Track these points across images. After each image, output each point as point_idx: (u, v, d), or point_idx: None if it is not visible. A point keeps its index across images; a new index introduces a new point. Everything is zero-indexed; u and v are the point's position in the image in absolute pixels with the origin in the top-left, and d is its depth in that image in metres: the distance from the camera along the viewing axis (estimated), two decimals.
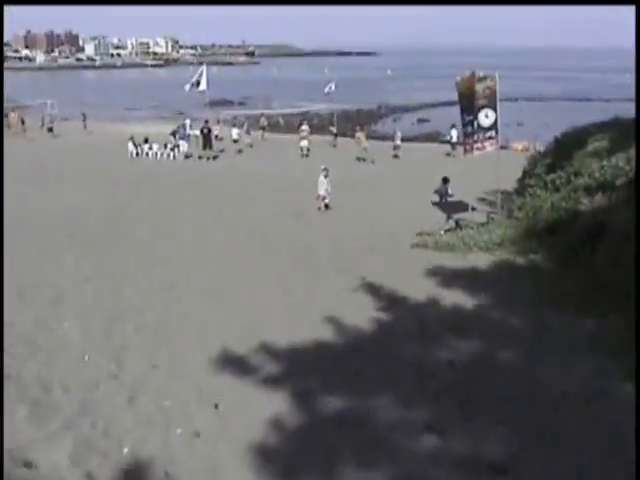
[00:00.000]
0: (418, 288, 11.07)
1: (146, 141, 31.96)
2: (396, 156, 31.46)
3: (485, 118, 15.10)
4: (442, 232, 15.44)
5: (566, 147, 15.79)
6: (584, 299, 9.77)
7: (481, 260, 12.75)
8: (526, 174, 17.21)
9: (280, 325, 9.56)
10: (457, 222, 16.53)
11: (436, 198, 17.82)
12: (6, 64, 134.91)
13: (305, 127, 33.72)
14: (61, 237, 15.26)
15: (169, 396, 7.32)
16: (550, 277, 11.29)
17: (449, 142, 33.49)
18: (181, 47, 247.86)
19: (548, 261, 12.17)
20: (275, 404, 7.11)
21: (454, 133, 32.77)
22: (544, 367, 7.94)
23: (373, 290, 11.10)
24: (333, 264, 12.98)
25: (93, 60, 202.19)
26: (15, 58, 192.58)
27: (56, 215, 17.60)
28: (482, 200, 20.16)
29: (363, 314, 9.88)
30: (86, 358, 8.34)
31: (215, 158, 30.32)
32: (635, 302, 8.11)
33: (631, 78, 62.59)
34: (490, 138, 15.32)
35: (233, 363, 8.17)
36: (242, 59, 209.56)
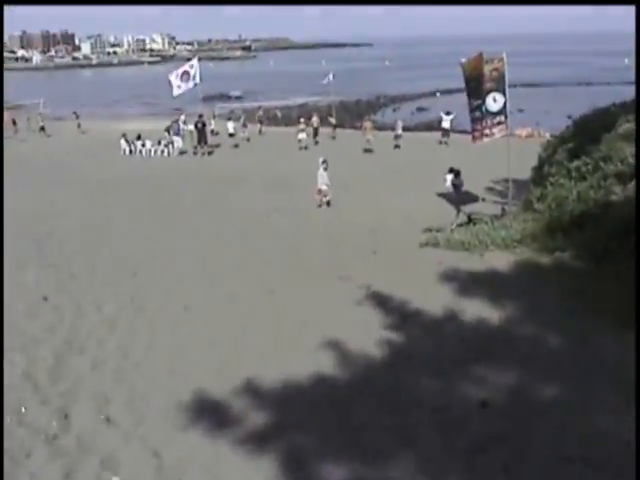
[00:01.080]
0: (432, 298, 9.47)
1: (139, 138, 30.59)
2: (397, 146, 29.94)
3: (493, 102, 14.02)
4: (453, 227, 14.00)
5: (590, 130, 14.09)
6: (627, 308, 8.13)
7: (500, 260, 11.12)
8: (544, 162, 15.55)
9: (268, 354, 7.93)
10: (469, 216, 15.05)
11: (445, 190, 16.51)
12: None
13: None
14: (26, 245, 13.74)
15: (119, 468, 5.66)
16: (582, 280, 9.66)
17: (441, 129, 31.55)
18: (178, 43, 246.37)
19: (577, 260, 10.55)
20: (259, 476, 5.48)
21: (447, 119, 30.92)
22: (600, 409, 6.28)
23: (380, 302, 9.50)
24: (333, 270, 11.36)
25: (89, 59, 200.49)
26: (12, 59, 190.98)
27: (27, 219, 16.01)
28: (490, 190, 18.73)
29: (369, 335, 8.25)
30: (23, 410, 6.71)
31: (210, 153, 28.81)
32: None
33: (629, 61, 60.80)
34: (499, 123, 14.18)
35: (206, 413, 6.53)
36: (239, 53, 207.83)
